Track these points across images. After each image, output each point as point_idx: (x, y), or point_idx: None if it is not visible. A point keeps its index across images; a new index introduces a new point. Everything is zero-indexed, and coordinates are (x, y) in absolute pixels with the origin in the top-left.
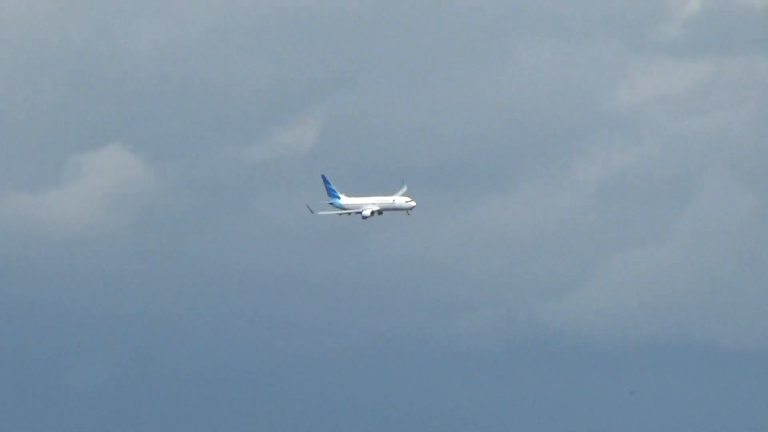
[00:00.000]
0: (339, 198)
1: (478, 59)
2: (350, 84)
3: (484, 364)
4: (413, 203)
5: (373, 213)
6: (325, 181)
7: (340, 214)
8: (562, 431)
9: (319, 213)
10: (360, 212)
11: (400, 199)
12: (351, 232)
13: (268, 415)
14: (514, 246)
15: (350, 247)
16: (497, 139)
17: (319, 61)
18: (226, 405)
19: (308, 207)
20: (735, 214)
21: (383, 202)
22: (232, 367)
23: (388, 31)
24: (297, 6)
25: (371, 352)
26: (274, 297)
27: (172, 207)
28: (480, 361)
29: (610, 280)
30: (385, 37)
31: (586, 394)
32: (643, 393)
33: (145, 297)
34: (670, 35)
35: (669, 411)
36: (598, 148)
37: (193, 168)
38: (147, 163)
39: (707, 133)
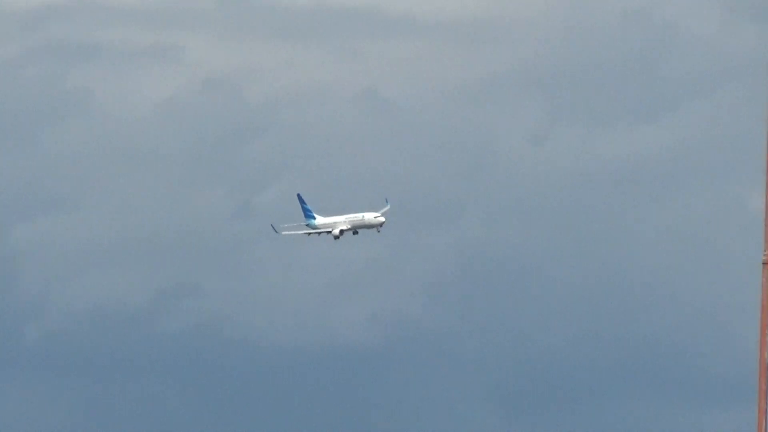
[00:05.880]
0: (314, 218)
1: None
2: None
3: None
4: (382, 219)
5: (342, 232)
6: (301, 201)
7: (309, 233)
8: None
9: (284, 233)
10: (330, 231)
11: (368, 216)
12: None
13: None
14: None
15: None
16: None
17: None
18: None
19: (272, 226)
20: None
21: (354, 219)
22: None
23: None
24: None
25: None
26: None
27: None
28: None
29: None
30: None
31: None
32: None
33: None
34: None
35: None
36: None
37: None
38: None
39: None
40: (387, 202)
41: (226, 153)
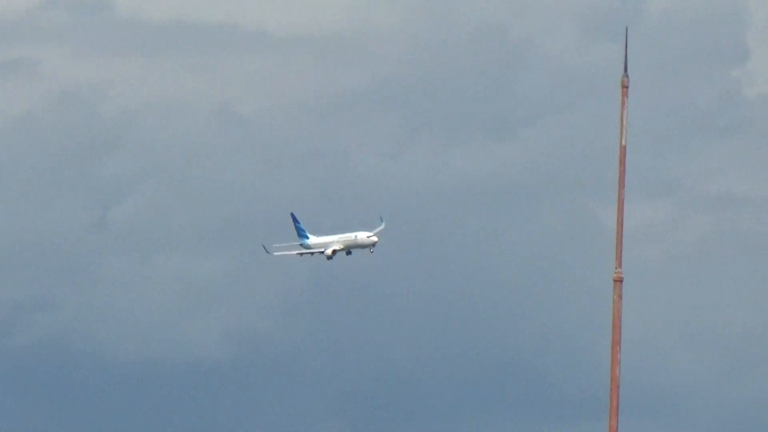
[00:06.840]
0: (308, 238)
1: None
2: None
3: None
4: (375, 239)
5: (335, 252)
6: (295, 221)
7: (302, 254)
8: None
9: (276, 253)
10: (323, 252)
11: (361, 235)
12: None
13: None
14: None
15: None
16: None
17: None
18: None
19: (263, 246)
20: None
21: (346, 239)
22: None
23: None
24: None
25: None
26: None
27: None
28: None
29: None
30: None
31: None
32: None
33: None
34: None
35: None
36: None
37: None
38: None
39: None
40: (382, 221)
41: (81, 167)
